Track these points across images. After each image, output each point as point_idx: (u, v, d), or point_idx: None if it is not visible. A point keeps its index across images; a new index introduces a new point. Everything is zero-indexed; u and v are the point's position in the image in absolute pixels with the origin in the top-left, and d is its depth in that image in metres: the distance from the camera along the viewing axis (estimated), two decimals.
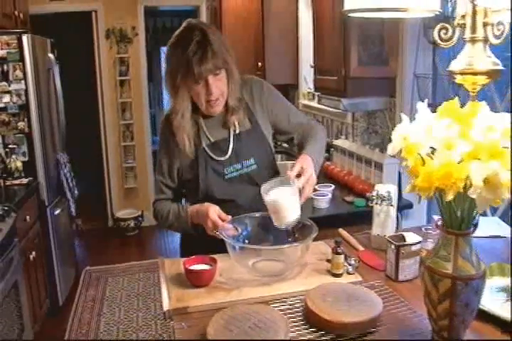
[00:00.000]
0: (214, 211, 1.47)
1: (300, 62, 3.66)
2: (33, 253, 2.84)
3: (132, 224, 4.99)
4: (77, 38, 5.50)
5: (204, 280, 1.31)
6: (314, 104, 3.49)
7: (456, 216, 0.97)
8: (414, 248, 1.35)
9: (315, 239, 1.42)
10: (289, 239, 1.45)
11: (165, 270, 1.41)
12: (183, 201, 1.76)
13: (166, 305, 1.18)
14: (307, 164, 1.45)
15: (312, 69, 2.84)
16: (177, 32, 1.51)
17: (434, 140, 0.94)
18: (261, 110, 1.66)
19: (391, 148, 1.03)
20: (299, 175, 1.41)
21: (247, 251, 1.39)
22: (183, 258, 1.48)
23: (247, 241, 1.48)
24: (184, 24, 1.52)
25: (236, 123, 1.60)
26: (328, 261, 1.45)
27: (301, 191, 1.39)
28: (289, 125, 1.69)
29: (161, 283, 1.32)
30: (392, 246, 1.35)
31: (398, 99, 2.40)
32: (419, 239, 1.37)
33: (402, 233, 1.41)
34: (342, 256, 1.35)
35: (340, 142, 2.93)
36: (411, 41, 2.28)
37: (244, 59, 3.75)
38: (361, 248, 1.58)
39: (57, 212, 3.36)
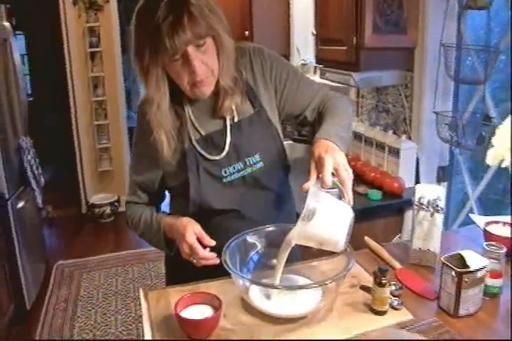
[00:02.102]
0: (192, 232, 1.12)
1: (292, 31, 3.26)
2: None
3: (108, 210, 4.60)
4: (40, 4, 4.94)
5: (204, 331, 0.95)
6: (309, 77, 3.11)
7: None
8: (479, 274, 1.02)
9: None
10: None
11: (149, 309, 1.05)
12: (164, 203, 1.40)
13: None
14: (320, 149, 1.04)
15: (310, 38, 2.45)
16: None
17: None
18: (264, 87, 1.27)
19: (492, 157, 0.68)
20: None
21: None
22: (171, 289, 1.13)
23: (257, 262, 1.13)
24: None
25: (233, 108, 1.22)
26: (364, 288, 1.12)
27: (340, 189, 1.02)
28: (301, 102, 1.29)
29: (145, 332, 0.96)
30: (453, 273, 1.02)
31: (417, 72, 2.04)
32: (486, 261, 1.04)
33: (460, 252, 1.07)
34: (388, 290, 1.02)
35: None
36: (436, 5, 1.91)
37: (230, 27, 3.32)
38: (398, 265, 1.25)
39: (20, 204, 2.94)
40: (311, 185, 1.01)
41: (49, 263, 3.62)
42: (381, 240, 2.01)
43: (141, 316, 2.91)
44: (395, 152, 2.07)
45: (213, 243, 1.12)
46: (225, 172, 1.22)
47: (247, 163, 1.23)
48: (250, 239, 1.15)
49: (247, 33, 3.31)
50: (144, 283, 3.36)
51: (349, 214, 1.01)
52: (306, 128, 1.32)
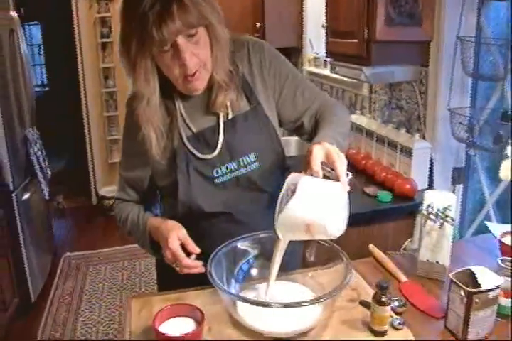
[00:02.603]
0: (176, 237, 1.05)
1: (305, 22, 3.16)
2: None
3: None
4: None
5: None
6: (321, 71, 3.01)
7: None
8: (492, 294, 0.93)
9: (331, 257, 1.01)
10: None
11: (130, 319, 0.98)
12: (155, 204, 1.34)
13: None
14: (311, 145, 0.97)
15: (323, 31, 2.34)
16: None
17: None
18: (262, 84, 1.19)
19: (506, 170, 0.59)
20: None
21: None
22: (155, 297, 1.06)
23: (246, 272, 1.05)
24: None
25: (228, 104, 1.15)
26: (364, 304, 1.03)
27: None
28: (299, 106, 1.21)
29: None
30: (461, 292, 0.93)
31: (432, 68, 1.92)
32: (499, 280, 0.95)
33: (471, 268, 0.98)
34: (388, 308, 0.93)
35: (354, 118, 2.47)
36: None
37: (241, 19, 3.24)
38: (403, 278, 1.16)
39: (26, 196, 2.91)
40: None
41: (57, 255, 3.62)
42: (391, 244, 1.93)
43: None
44: (408, 152, 1.97)
45: (198, 250, 1.05)
46: (217, 173, 1.15)
47: (241, 163, 1.15)
48: (241, 246, 1.07)
49: (258, 24, 3.22)
50: (150, 278, 3.31)
51: (339, 194, 0.88)
52: (305, 136, 1.24)
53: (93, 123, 4.62)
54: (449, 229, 1.11)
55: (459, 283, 0.93)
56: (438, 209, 1.10)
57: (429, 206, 1.12)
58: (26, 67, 3.10)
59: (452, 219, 1.08)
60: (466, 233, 2.01)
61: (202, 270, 1.03)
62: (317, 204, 0.86)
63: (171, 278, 1.18)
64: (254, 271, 1.05)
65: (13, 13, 2.99)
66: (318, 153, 0.92)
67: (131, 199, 1.26)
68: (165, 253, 1.07)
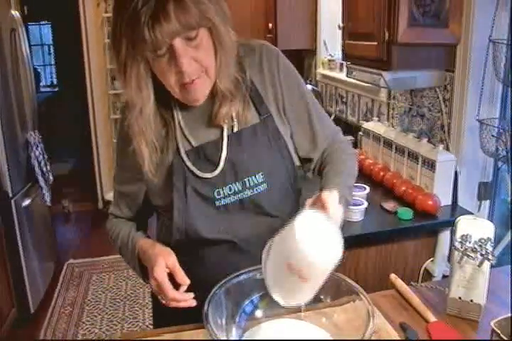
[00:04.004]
0: (163, 265, 0.93)
1: (319, 23, 3.01)
2: None
3: None
4: None
5: None
6: (336, 74, 2.86)
7: None
8: None
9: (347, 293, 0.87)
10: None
11: None
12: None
13: None
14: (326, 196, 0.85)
15: (339, 32, 2.19)
16: None
17: None
18: (274, 95, 1.05)
19: None
20: None
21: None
22: (152, 336, 0.93)
23: (250, 314, 0.91)
24: None
25: (233, 115, 1.01)
26: None
27: None
28: (310, 136, 1.09)
29: None
30: None
31: (459, 73, 1.76)
32: None
33: None
34: None
35: (371, 125, 2.31)
36: None
37: (252, 20, 3.11)
38: (432, 317, 1.01)
39: (26, 202, 2.79)
40: None
41: (60, 261, 3.51)
42: (411, 264, 1.78)
43: (148, 326, 2.74)
44: (430, 164, 1.81)
45: (187, 282, 0.92)
46: (219, 194, 1.01)
47: (247, 184, 1.01)
48: (245, 281, 0.92)
49: (270, 25, 3.08)
50: None
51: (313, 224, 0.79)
52: (306, 170, 1.14)
53: (99, 125, 4.52)
54: (486, 265, 0.96)
55: (504, 336, 0.78)
56: (475, 243, 0.94)
57: (464, 238, 0.96)
58: (28, 69, 2.98)
59: (493, 256, 0.93)
60: None
61: (192, 304, 0.91)
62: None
63: (167, 311, 1.04)
64: (259, 313, 0.90)
65: (15, 12, 2.87)
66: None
67: (123, 215, 1.16)
68: (150, 283, 0.95)
